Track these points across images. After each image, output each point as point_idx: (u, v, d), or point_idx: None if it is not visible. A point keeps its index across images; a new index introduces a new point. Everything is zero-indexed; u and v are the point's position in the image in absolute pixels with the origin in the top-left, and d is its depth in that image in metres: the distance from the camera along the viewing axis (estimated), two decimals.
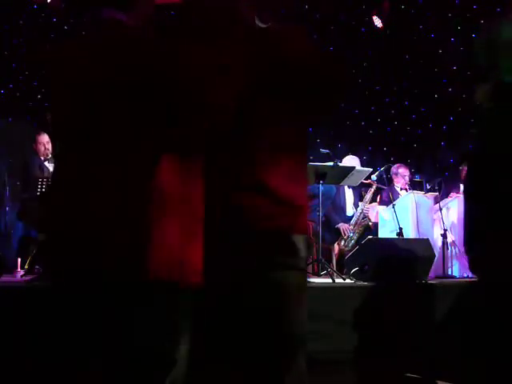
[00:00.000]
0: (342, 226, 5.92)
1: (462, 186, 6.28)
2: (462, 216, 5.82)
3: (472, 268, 2.60)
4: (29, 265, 5.07)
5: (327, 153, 5.43)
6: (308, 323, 1.71)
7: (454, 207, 5.91)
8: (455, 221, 5.86)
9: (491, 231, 2.46)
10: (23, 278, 4.69)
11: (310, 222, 4.83)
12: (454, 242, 5.77)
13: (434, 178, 6.36)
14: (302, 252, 1.71)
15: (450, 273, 5.65)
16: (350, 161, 6.05)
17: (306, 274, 1.79)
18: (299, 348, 1.70)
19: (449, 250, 5.72)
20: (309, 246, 1.80)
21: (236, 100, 1.57)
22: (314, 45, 1.68)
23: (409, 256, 4.59)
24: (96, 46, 1.64)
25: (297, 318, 1.69)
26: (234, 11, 1.65)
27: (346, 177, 5.37)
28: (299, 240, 1.70)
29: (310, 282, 4.24)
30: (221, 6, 1.68)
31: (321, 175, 4.92)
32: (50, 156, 5.70)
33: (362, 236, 5.83)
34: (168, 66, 1.55)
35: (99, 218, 1.56)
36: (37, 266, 5.10)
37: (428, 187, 6.21)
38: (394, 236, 5.35)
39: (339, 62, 1.68)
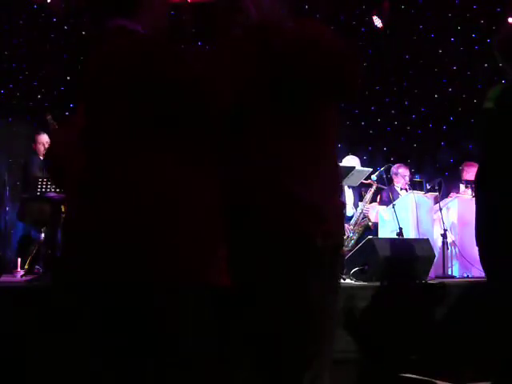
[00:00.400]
0: None
1: (461, 186, 6.28)
2: (462, 216, 5.84)
3: (482, 264, 2.60)
4: (29, 265, 5.07)
5: None
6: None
7: (454, 207, 5.90)
8: (455, 221, 5.85)
9: (500, 230, 2.46)
10: (23, 277, 4.69)
11: None
12: (454, 242, 5.76)
13: (433, 178, 6.35)
14: (324, 257, 1.64)
15: (450, 273, 5.64)
16: (350, 161, 6.05)
17: (325, 280, 1.65)
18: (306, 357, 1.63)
19: (449, 250, 5.71)
20: (337, 251, 1.71)
21: (236, 99, 1.57)
22: (322, 36, 1.61)
23: (409, 256, 4.59)
24: (101, 52, 1.66)
25: (303, 326, 1.62)
26: (235, 10, 1.65)
27: (345, 177, 5.36)
28: (319, 245, 1.62)
29: None
30: (222, 6, 1.67)
31: None
32: None
33: (361, 236, 5.83)
34: (168, 67, 1.56)
35: (103, 219, 1.56)
36: (37, 266, 5.10)
37: (428, 187, 6.20)
38: (394, 236, 5.35)
39: (348, 56, 1.62)
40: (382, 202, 6.36)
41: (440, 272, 5.45)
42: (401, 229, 5.30)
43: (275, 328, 1.62)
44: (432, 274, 4.99)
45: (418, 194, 5.89)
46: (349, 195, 6.21)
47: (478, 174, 2.72)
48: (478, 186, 2.73)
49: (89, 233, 1.57)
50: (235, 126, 1.64)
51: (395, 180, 6.41)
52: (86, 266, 1.57)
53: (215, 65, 1.56)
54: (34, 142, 5.82)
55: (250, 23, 1.64)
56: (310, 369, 1.61)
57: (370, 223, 6.07)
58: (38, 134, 5.81)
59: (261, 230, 1.63)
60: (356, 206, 6.19)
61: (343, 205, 1.77)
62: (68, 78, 7.22)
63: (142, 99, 1.55)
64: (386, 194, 6.23)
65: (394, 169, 6.46)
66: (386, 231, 5.74)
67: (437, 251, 5.30)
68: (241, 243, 1.64)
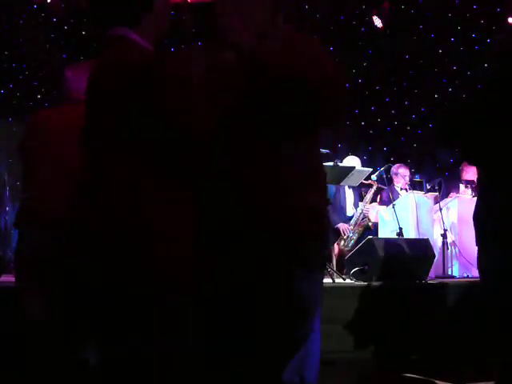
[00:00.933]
0: (341, 226, 5.92)
1: (461, 186, 6.28)
2: (462, 216, 5.84)
3: (480, 264, 2.60)
4: None
5: (327, 153, 5.43)
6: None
7: (454, 207, 5.90)
8: (455, 221, 5.85)
9: (504, 230, 2.46)
10: None
11: None
12: (453, 242, 5.77)
13: (433, 178, 6.35)
14: (318, 257, 1.68)
15: (450, 273, 5.64)
16: (351, 161, 6.04)
17: (316, 280, 1.71)
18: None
19: (449, 250, 5.71)
20: (323, 250, 1.75)
21: (221, 121, 1.59)
22: (310, 55, 1.62)
23: (409, 256, 4.59)
24: (101, 58, 1.67)
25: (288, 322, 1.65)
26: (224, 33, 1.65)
27: (346, 177, 5.36)
28: (306, 245, 1.65)
29: None
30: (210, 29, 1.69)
31: None
32: None
33: (362, 236, 5.83)
34: (165, 93, 1.57)
35: (103, 219, 1.57)
36: None
37: (428, 187, 6.20)
38: (394, 236, 5.35)
39: (335, 77, 1.63)
40: (381, 202, 6.36)
41: (440, 272, 5.45)
42: (401, 229, 5.31)
43: (271, 324, 1.63)
44: (432, 274, 4.99)
45: (418, 194, 5.90)
46: (349, 195, 6.21)
47: (479, 174, 2.72)
48: (481, 187, 2.72)
49: (89, 233, 1.57)
50: (231, 142, 1.66)
51: (395, 180, 6.41)
52: (86, 266, 1.57)
53: (203, 92, 1.60)
54: None
55: (243, 47, 1.63)
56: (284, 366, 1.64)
57: (370, 223, 6.07)
58: None
59: (261, 229, 1.63)
60: (356, 206, 6.19)
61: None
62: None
63: (130, 112, 1.57)
64: (385, 194, 6.22)
65: (394, 169, 6.45)
66: (386, 231, 5.74)
67: (437, 251, 5.30)
68: (241, 244, 1.64)
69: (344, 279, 4.61)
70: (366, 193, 6.15)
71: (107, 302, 1.57)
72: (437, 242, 5.70)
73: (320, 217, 1.68)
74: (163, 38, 1.76)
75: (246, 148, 1.65)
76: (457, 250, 5.73)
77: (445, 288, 4.45)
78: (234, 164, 1.66)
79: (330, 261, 5.75)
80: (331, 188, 5.90)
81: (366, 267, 4.46)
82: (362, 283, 4.36)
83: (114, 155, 1.59)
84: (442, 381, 3.53)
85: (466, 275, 5.62)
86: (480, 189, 2.70)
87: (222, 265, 1.64)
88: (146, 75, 1.56)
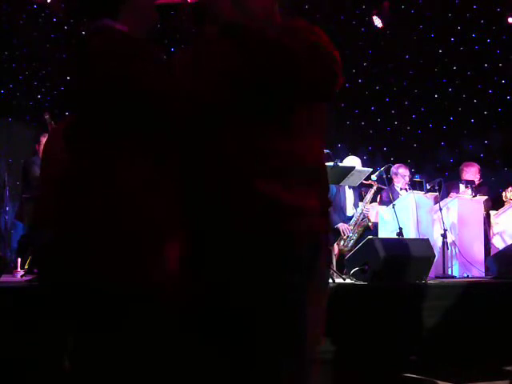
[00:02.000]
0: (341, 226, 5.92)
1: (461, 186, 6.28)
2: (462, 216, 5.83)
3: None
4: (29, 265, 5.07)
5: (327, 153, 5.43)
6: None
7: (453, 207, 5.90)
8: (455, 221, 5.85)
9: None
10: (23, 277, 4.69)
11: None
12: (453, 242, 5.77)
13: (433, 178, 6.36)
14: (303, 257, 1.62)
15: (450, 273, 5.64)
16: (351, 161, 6.04)
17: (305, 279, 1.63)
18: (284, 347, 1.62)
19: (449, 250, 5.72)
20: (320, 250, 1.72)
21: (204, 108, 1.58)
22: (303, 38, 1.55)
23: (409, 256, 4.59)
24: (82, 51, 1.68)
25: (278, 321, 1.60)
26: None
27: (346, 177, 5.36)
28: (298, 244, 1.61)
29: None
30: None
31: None
32: None
33: (362, 236, 5.83)
34: (140, 74, 1.58)
35: (93, 218, 1.57)
36: None
37: (428, 187, 6.20)
38: (394, 236, 5.35)
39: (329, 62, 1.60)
40: (382, 202, 6.36)
41: (440, 272, 5.45)
42: (401, 229, 5.31)
43: (251, 327, 1.61)
44: (432, 273, 4.99)
45: (418, 194, 5.90)
46: (349, 195, 6.21)
47: None
48: None
49: (77, 232, 1.57)
50: (211, 126, 1.63)
51: (395, 180, 6.41)
52: (84, 265, 1.57)
53: (187, 74, 1.59)
54: (38, 142, 5.80)
55: (225, 21, 1.61)
56: (283, 370, 1.58)
57: (370, 223, 6.07)
58: (43, 135, 5.80)
59: (235, 230, 1.60)
60: (356, 206, 6.19)
61: (328, 203, 1.69)
62: (68, 77, 7.23)
63: (112, 105, 1.58)
64: (385, 194, 6.23)
65: (393, 169, 6.45)
66: (386, 231, 5.74)
67: (437, 251, 5.30)
68: (218, 243, 1.62)
69: (344, 279, 4.61)
70: (366, 193, 6.15)
71: (106, 300, 1.57)
72: (437, 242, 5.70)
73: (301, 215, 1.60)
74: (163, 38, 1.77)
75: (234, 134, 1.60)
76: (457, 249, 5.73)
77: (445, 288, 4.45)
78: (211, 160, 1.61)
79: (330, 261, 5.75)
80: (331, 188, 5.90)
81: (366, 267, 4.46)
82: (362, 283, 4.37)
83: (102, 146, 1.60)
84: (442, 381, 3.53)
85: (465, 275, 5.62)
86: None
87: (215, 263, 1.62)
88: (125, 55, 1.57)
